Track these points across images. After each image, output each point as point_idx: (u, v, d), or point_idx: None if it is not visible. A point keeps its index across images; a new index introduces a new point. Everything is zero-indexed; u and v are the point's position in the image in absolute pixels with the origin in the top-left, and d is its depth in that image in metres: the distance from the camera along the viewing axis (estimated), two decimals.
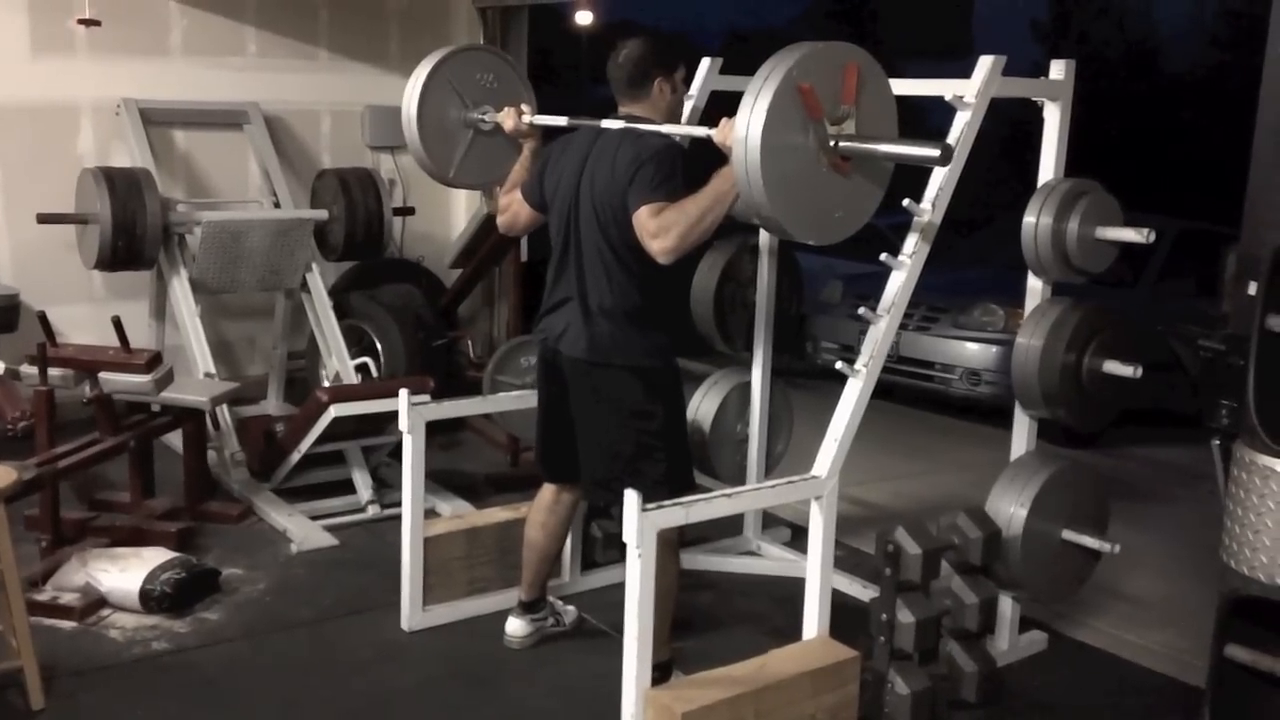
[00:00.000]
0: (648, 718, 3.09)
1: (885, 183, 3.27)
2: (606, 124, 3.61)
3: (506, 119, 4.01)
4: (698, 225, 3.30)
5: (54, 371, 4.60)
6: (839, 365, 3.51)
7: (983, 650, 3.69)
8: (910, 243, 3.53)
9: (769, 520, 5.08)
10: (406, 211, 7.21)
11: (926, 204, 3.54)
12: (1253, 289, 3.11)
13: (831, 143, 3.04)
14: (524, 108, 4.01)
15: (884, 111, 3.19)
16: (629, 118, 3.60)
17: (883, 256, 3.51)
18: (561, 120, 3.85)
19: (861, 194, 3.20)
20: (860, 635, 3.49)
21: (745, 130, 2.94)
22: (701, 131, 3.44)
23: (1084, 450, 6.29)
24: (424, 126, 4.19)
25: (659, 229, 3.30)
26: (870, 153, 3.07)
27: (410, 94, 4.20)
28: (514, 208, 3.88)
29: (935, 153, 3.00)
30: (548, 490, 3.95)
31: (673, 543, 3.56)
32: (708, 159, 3.35)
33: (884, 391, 4.44)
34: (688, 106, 4.39)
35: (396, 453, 4.82)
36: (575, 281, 3.59)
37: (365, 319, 6.44)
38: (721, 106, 4.48)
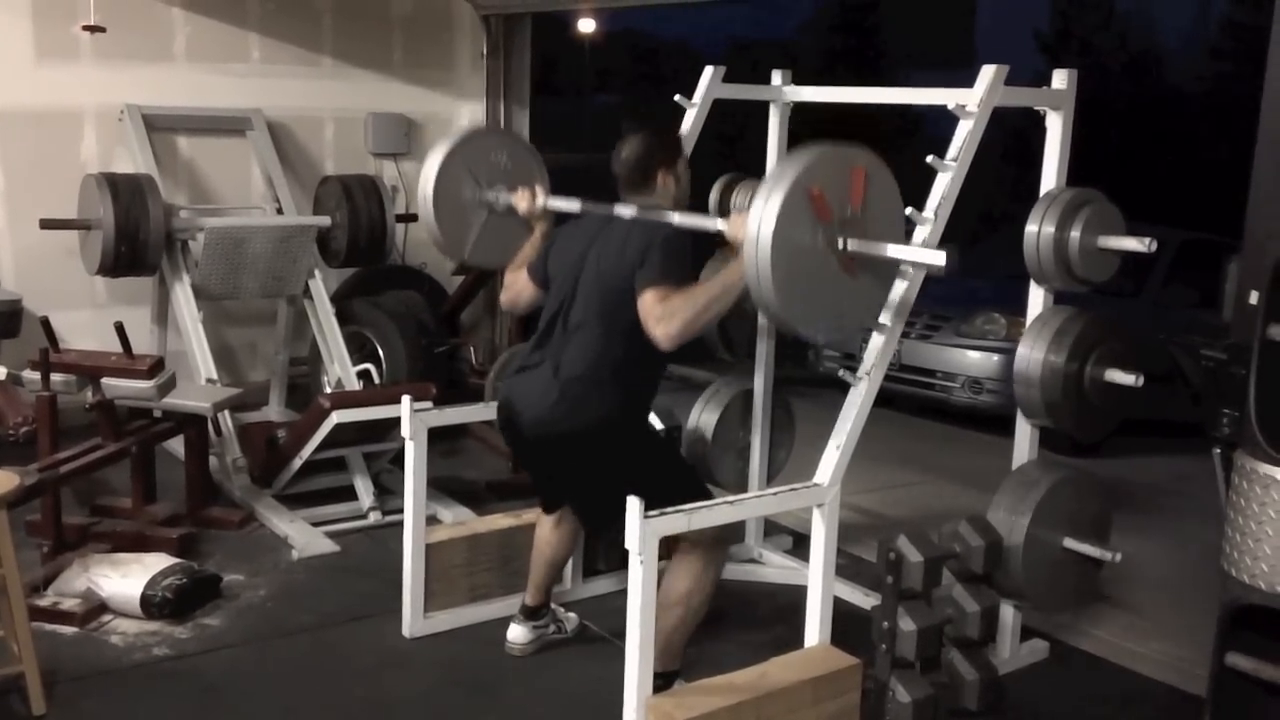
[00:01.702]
0: None
1: (891, 282, 3.31)
2: (619, 210, 3.65)
3: (520, 201, 4.05)
4: (703, 314, 3.34)
5: (56, 377, 4.60)
6: (841, 373, 3.51)
7: (984, 658, 3.68)
8: None
9: (771, 528, 5.07)
10: (409, 218, 7.20)
11: (929, 212, 3.55)
12: (1255, 299, 3.11)
13: (840, 244, 3.09)
14: (538, 190, 4.05)
15: (891, 213, 3.23)
16: (640, 206, 3.64)
17: None
18: (575, 205, 3.89)
19: (868, 293, 3.25)
20: (862, 643, 3.49)
21: (756, 230, 2.99)
22: (713, 224, 3.50)
23: (1086, 459, 6.29)
24: (440, 208, 4.18)
25: (665, 314, 3.32)
26: (876, 255, 3.12)
27: (427, 176, 4.19)
28: (518, 285, 3.91)
29: (940, 259, 3.04)
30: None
31: (715, 567, 3.60)
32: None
33: (885, 400, 4.45)
34: (689, 115, 4.41)
35: (398, 459, 4.82)
36: (553, 354, 3.60)
37: (368, 325, 6.45)
38: (722, 110, 4.51)
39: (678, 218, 3.54)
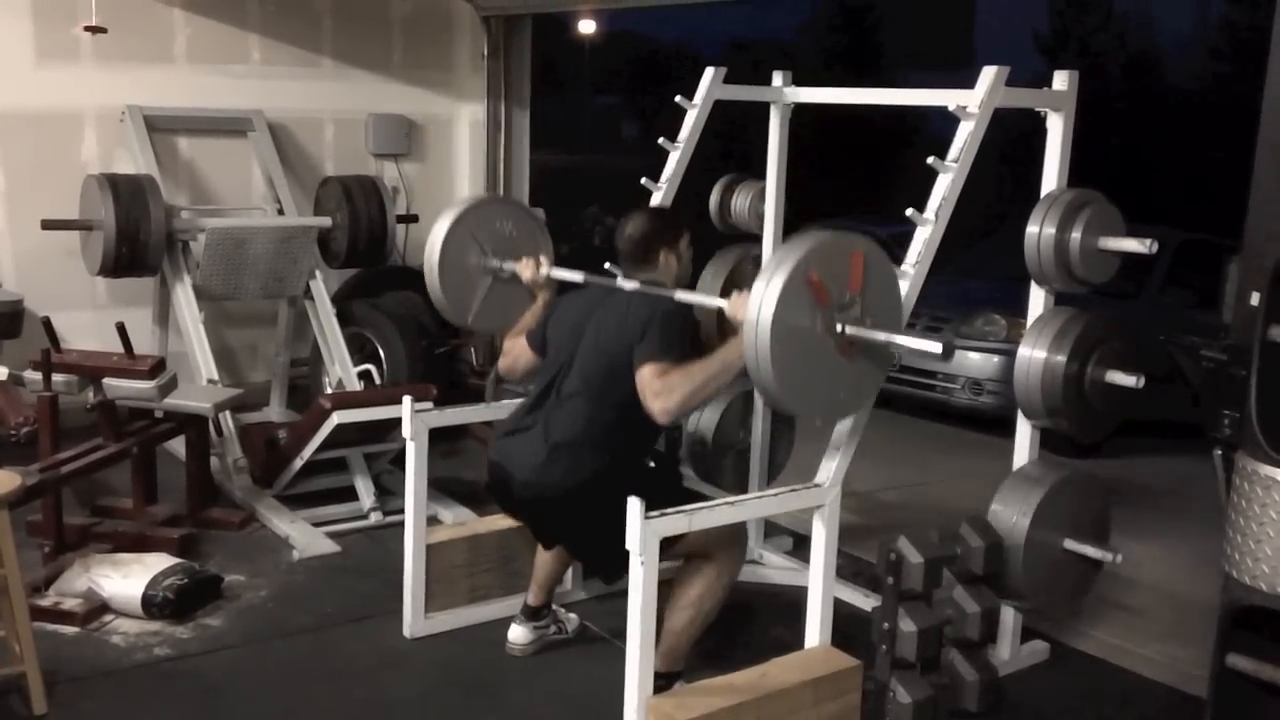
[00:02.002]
0: None
1: (888, 367, 3.34)
2: (621, 283, 3.71)
3: (525, 269, 4.11)
4: (701, 391, 3.39)
5: (58, 377, 4.61)
6: None
7: (984, 659, 3.69)
8: (913, 252, 3.55)
9: (771, 529, 5.08)
10: (410, 219, 7.22)
11: (929, 213, 3.56)
12: (1255, 299, 3.11)
13: (838, 328, 3.12)
14: (542, 259, 4.10)
15: (888, 298, 3.26)
16: (641, 281, 3.68)
17: None
18: (578, 275, 3.94)
19: (864, 376, 3.27)
20: (862, 644, 3.49)
21: (757, 312, 3.02)
22: (714, 302, 3.57)
23: (1086, 460, 6.29)
24: (445, 273, 4.24)
25: (663, 389, 3.36)
26: (874, 341, 3.16)
27: (434, 241, 4.24)
28: (516, 351, 3.96)
29: (937, 349, 3.08)
30: None
31: (730, 573, 3.63)
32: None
33: (886, 401, 4.45)
34: (690, 116, 4.42)
35: (398, 460, 4.82)
36: (545, 419, 3.63)
37: (368, 326, 6.45)
38: (724, 112, 4.51)
39: (679, 295, 3.61)
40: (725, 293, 4.74)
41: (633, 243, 3.76)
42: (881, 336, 3.13)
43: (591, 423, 3.55)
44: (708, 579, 3.59)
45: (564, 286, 4.05)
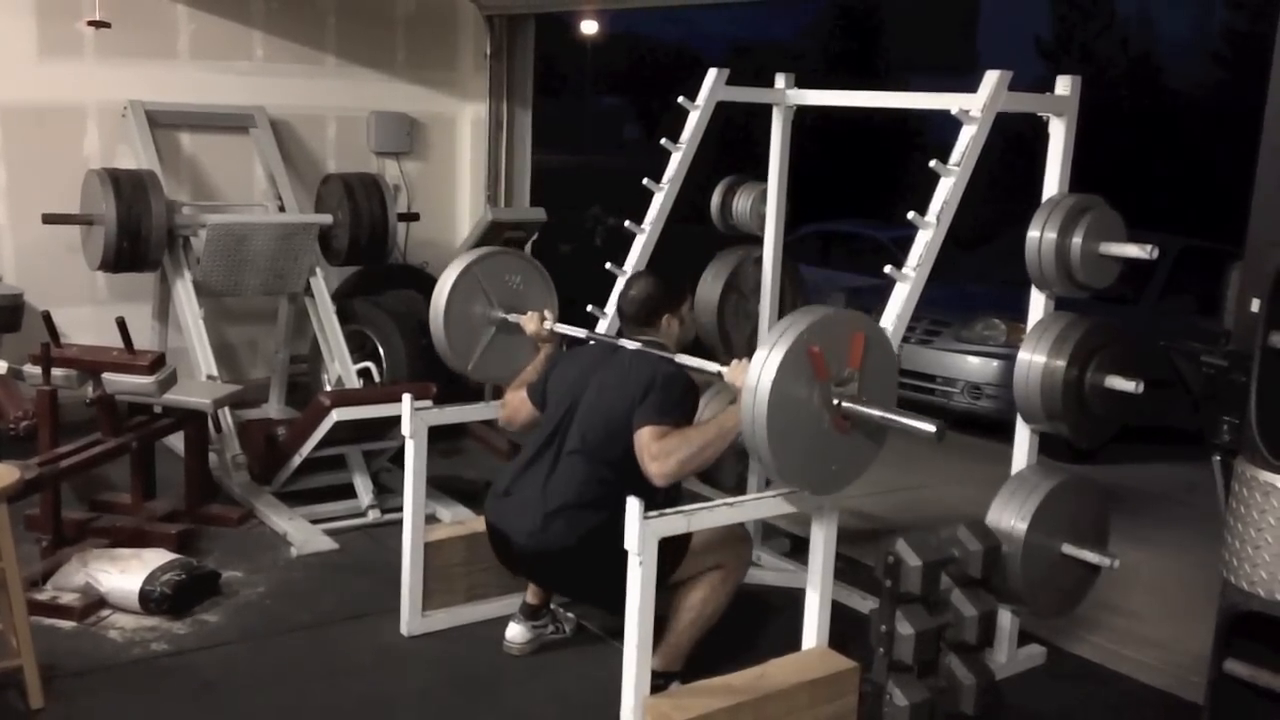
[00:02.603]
0: None
1: (882, 443, 3.34)
2: (624, 343, 3.77)
3: (529, 323, 4.19)
4: (698, 455, 3.44)
5: (57, 372, 4.61)
6: None
7: (982, 663, 3.68)
8: (914, 256, 3.55)
9: (769, 531, 5.08)
10: (411, 217, 7.23)
11: (931, 217, 3.56)
12: (1256, 306, 3.11)
13: (835, 402, 3.15)
14: (546, 314, 4.19)
15: (885, 378, 3.28)
16: (644, 341, 3.74)
17: (887, 269, 3.52)
18: (581, 332, 4.04)
19: (858, 451, 3.27)
20: (860, 647, 3.49)
21: (756, 380, 3.04)
22: (713, 367, 3.62)
23: (1084, 465, 6.29)
24: (450, 320, 4.35)
25: (661, 452, 3.41)
26: (869, 418, 3.17)
27: (441, 288, 4.36)
28: (515, 403, 4.00)
29: (931, 429, 3.10)
30: None
31: (735, 575, 3.67)
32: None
33: None
34: (692, 118, 4.43)
35: (397, 458, 4.83)
36: (543, 477, 3.66)
37: (368, 324, 6.45)
38: (726, 115, 4.52)
39: (680, 358, 3.66)
40: (725, 294, 4.77)
41: (636, 305, 3.81)
42: (876, 413, 3.16)
43: (588, 482, 3.59)
44: (713, 582, 3.62)
45: (567, 342, 4.13)
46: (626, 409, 3.53)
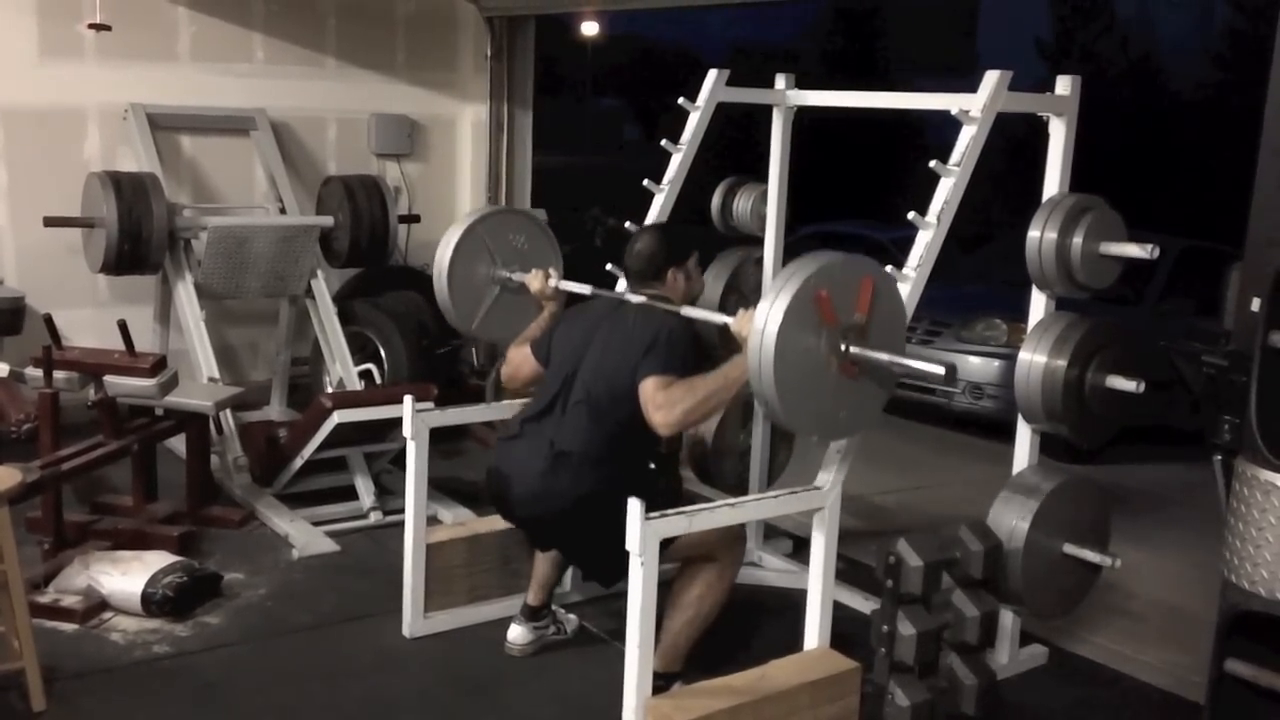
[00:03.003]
0: None
1: (890, 390, 3.35)
2: (629, 297, 3.75)
3: (534, 280, 4.15)
4: (703, 405, 3.42)
5: (59, 374, 4.61)
6: None
7: (983, 663, 3.68)
8: (914, 256, 3.55)
9: (770, 531, 5.08)
10: (411, 219, 7.23)
11: (931, 217, 3.56)
12: (1256, 305, 3.12)
13: (842, 348, 3.14)
14: (551, 272, 4.15)
15: (894, 324, 3.27)
16: (649, 297, 3.72)
17: (887, 269, 3.51)
18: (585, 288, 4.01)
19: (866, 398, 3.27)
20: (861, 647, 3.50)
21: (763, 325, 3.03)
22: (719, 318, 3.61)
23: (1085, 466, 6.29)
24: (453, 279, 4.33)
25: (666, 402, 3.40)
26: (877, 362, 3.17)
27: (445, 247, 4.33)
28: (518, 359, 3.98)
29: (940, 371, 3.09)
30: None
31: (730, 570, 3.65)
32: None
33: (886, 405, 4.45)
34: (692, 119, 4.43)
35: (398, 460, 4.83)
36: (550, 430, 3.65)
37: (369, 326, 6.45)
38: (726, 115, 4.52)
39: (685, 310, 3.65)
40: (726, 294, 4.76)
41: (642, 259, 3.79)
42: (885, 357, 3.14)
43: (593, 438, 3.57)
44: (708, 579, 3.60)
45: (571, 300, 4.09)
46: (631, 365, 3.50)
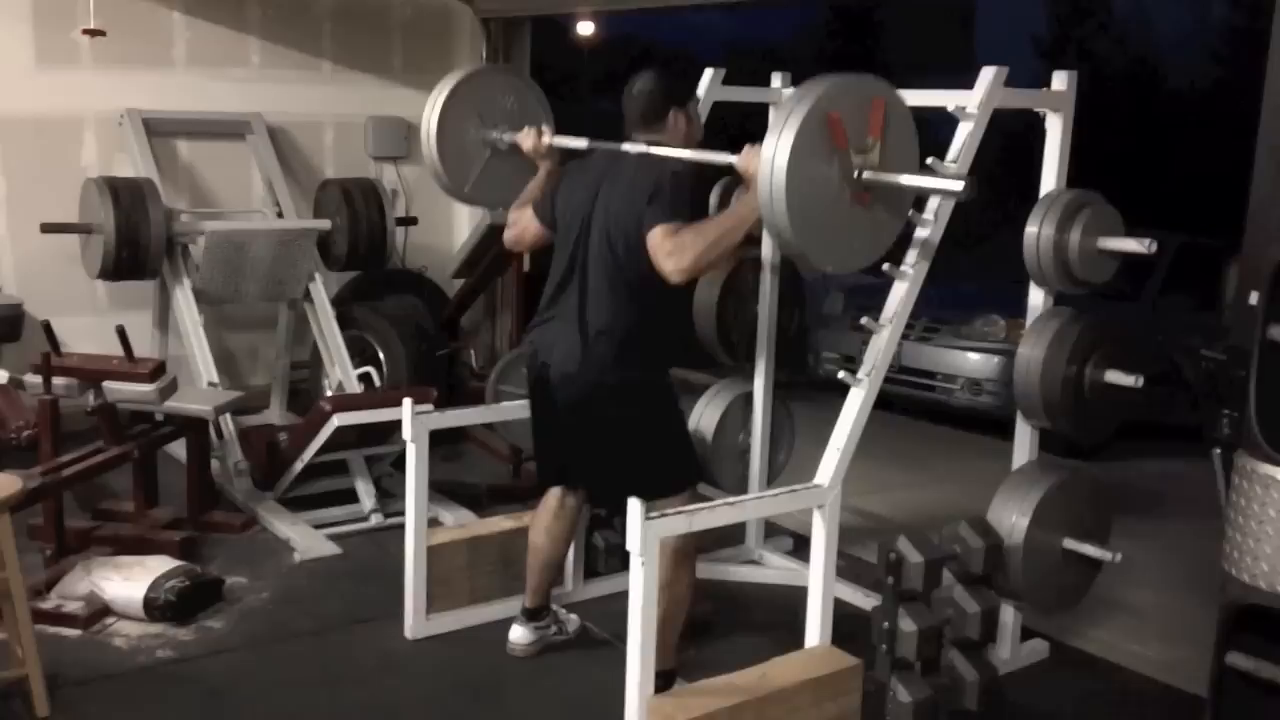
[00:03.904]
0: None
1: (905, 216, 3.31)
2: (626, 148, 3.64)
3: (525, 139, 4.04)
4: (714, 247, 3.34)
5: (58, 381, 4.61)
6: (841, 374, 3.52)
7: (984, 659, 3.69)
8: (912, 253, 3.55)
9: (771, 530, 5.08)
10: (409, 222, 7.24)
11: (928, 214, 3.56)
12: (1254, 299, 3.12)
13: (855, 173, 3.08)
14: (544, 129, 4.04)
15: (907, 147, 3.22)
16: (648, 143, 3.62)
17: (885, 267, 3.52)
18: (581, 142, 3.87)
19: (881, 225, 3.23)
20: (862, 644, 3.50)
21: (772, 154, 2.97)
22: (724, 158, 3.48)
23: (1085, 462, 6.30)
24: (442, 142, 4.20)
25: (675, 248, 3.32)
26: (893, 184, 3.10)
27: (431, 110, 4.21)
28: (523, 223, 3.89)
29: (958, 186, 3.03)
30: (552, 496, 3.96)
31: (688, 554, 3.59)
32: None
33: (885, 403, 4.45)
34: None
35: (399, 463, 4.83)
36: (576, 301, 3.60)
37: (368, 329, 6.45)
38: (724, 116, 4.52)
39: (688, 154, 3.53)
40: (723, 296, 4.76)
41: (642, 100, 3.64)
42: (900, 178, 3.06)
43: (619, 308, 3.52)
44: (670, 563, 3.49)
45: (566, 157, 3.96)
46: (636, 216, 3.43)
